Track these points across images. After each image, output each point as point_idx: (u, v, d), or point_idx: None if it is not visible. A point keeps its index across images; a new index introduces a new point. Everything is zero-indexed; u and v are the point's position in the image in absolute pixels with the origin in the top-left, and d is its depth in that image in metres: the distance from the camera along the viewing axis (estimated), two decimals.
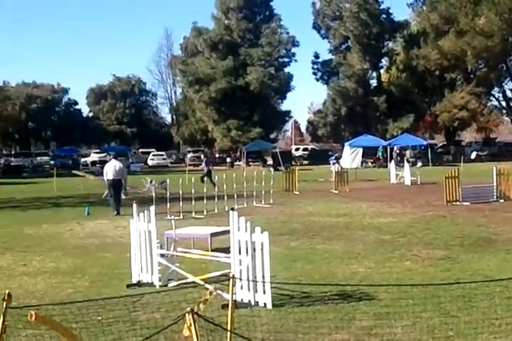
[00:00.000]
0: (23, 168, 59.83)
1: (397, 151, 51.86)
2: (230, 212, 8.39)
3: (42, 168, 60.42)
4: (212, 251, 10.40)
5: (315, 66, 73.44)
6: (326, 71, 72.30)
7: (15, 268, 10.90)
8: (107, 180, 20.39)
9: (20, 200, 26.21)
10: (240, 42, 72.25)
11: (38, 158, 65.56)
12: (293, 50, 72.21)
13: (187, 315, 3.73)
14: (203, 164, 30.55)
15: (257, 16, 73.83)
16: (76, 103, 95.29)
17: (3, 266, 11.14)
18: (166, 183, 26.38)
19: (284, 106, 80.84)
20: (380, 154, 53.92)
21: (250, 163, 57.92)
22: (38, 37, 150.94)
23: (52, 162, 60.93)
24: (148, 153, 73.90)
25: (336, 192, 26.31)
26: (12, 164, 61.78)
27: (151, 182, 26.43)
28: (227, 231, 9.80)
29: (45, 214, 20.37)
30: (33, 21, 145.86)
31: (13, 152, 78.09)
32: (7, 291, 4.42)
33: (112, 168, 20.34)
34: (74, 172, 27.37)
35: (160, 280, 9.08)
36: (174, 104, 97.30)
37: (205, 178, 27.96)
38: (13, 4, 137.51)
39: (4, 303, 4.33)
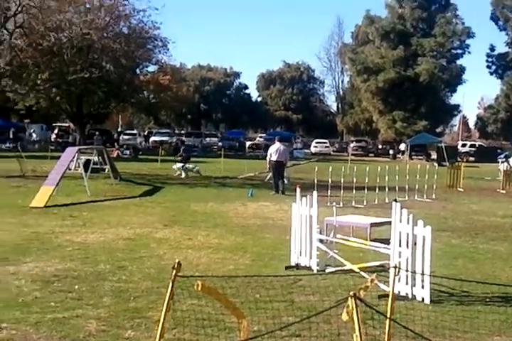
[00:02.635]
0: (193, 147, 62.49)
1: None
2: (393, 203, 8.31)
3: (210, 148, 62.64)
4: (370, 241, 10.35)
5: (490, 59, 70.62)
6: (501, 64, 69.14)
7: (181, 241, 11.46)
8: (271, 161, 20.89)
9: (189, 178, 27.38)
10: (412, 32, 70.66)
11: (208, 139, 67.83)
12: (467, 41, 69.71)
13: (349, 299, 3.79)
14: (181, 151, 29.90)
15: (431, 5, 71.69)
16: (246, 87, 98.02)
17: (171, 238, 11.76)
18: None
19: (453, 99, 78.29)
20: None
21: (413, 157, 56.69)
22: (213, 22, 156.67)
23: (220, 143, 62.98)
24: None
25: (504, 191, 25.19)
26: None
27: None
28: (388, 223, 9.75)
29: (211, 193, 21.16)
30: (210, 8, 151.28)
31: (182, 131, 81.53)
32: (177, 260, 4.70)
33: (275, 149, 20.87)
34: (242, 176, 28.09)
35: (318, 265, 9.21)
36: (341, 93, 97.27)
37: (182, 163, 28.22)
38: None
39: (174, 271, 4.60)
